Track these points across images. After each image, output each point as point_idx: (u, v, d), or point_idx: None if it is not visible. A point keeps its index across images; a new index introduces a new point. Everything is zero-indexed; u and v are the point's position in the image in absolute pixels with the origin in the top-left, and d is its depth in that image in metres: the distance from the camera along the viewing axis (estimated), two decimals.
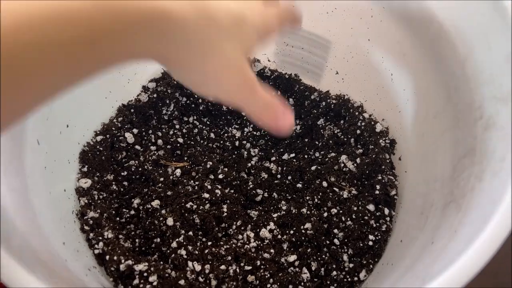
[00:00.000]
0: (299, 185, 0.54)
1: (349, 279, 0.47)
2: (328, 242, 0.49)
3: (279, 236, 0.49)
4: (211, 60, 0.26)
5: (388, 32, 0.52)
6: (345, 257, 0.48)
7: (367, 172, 0.53)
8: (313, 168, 0.55)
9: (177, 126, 0.60)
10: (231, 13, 0.27)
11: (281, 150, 0.59)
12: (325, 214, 0.50)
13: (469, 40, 0.41)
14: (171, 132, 0.59)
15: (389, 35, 0.52)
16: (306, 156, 0.57)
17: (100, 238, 0.46)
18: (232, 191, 0.54)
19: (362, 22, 0.54)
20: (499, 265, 0.54)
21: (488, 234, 0.27)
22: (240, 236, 0.49)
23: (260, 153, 0.59)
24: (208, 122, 0.62)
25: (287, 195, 0.54)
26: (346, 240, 0.49)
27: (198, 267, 0.45)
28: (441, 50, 0.44)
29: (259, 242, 0.49)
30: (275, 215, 0.51)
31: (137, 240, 0.48)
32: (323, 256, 0.48)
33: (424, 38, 0.47)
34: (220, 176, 0.54)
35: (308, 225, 0.50)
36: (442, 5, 0.43)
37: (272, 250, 0.48)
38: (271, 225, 0.50)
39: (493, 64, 0.37)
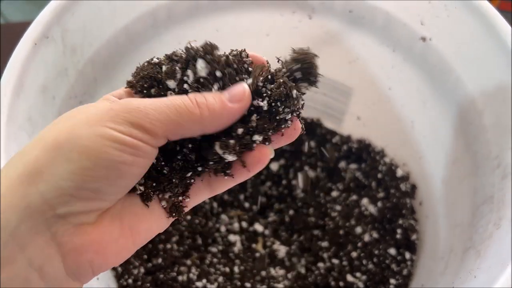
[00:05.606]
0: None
1: None
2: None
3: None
4: None
5: (408, 81, 0.54)
6: None
7: (388, 216, 0.54)
8: (335, 210, 0.56)
9: None
10: None
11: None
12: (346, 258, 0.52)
13: (486, 93, 0.42)
14: None
15: (409, 84, 0.54)
16: (327, 198, 0.59)
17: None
18: None
19: (383, 72, 0.56)
20: None
21: (505, 281, 0.28)
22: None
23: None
24: None
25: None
26: (368, 283, 0.50)
27: None
28: (460, 100, 0.46)
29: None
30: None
31: None
32: None
33: (443, 88, 0.49)
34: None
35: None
36: (459, 57, 0.46)
37: None
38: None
39: (509, 116, 0.39)
